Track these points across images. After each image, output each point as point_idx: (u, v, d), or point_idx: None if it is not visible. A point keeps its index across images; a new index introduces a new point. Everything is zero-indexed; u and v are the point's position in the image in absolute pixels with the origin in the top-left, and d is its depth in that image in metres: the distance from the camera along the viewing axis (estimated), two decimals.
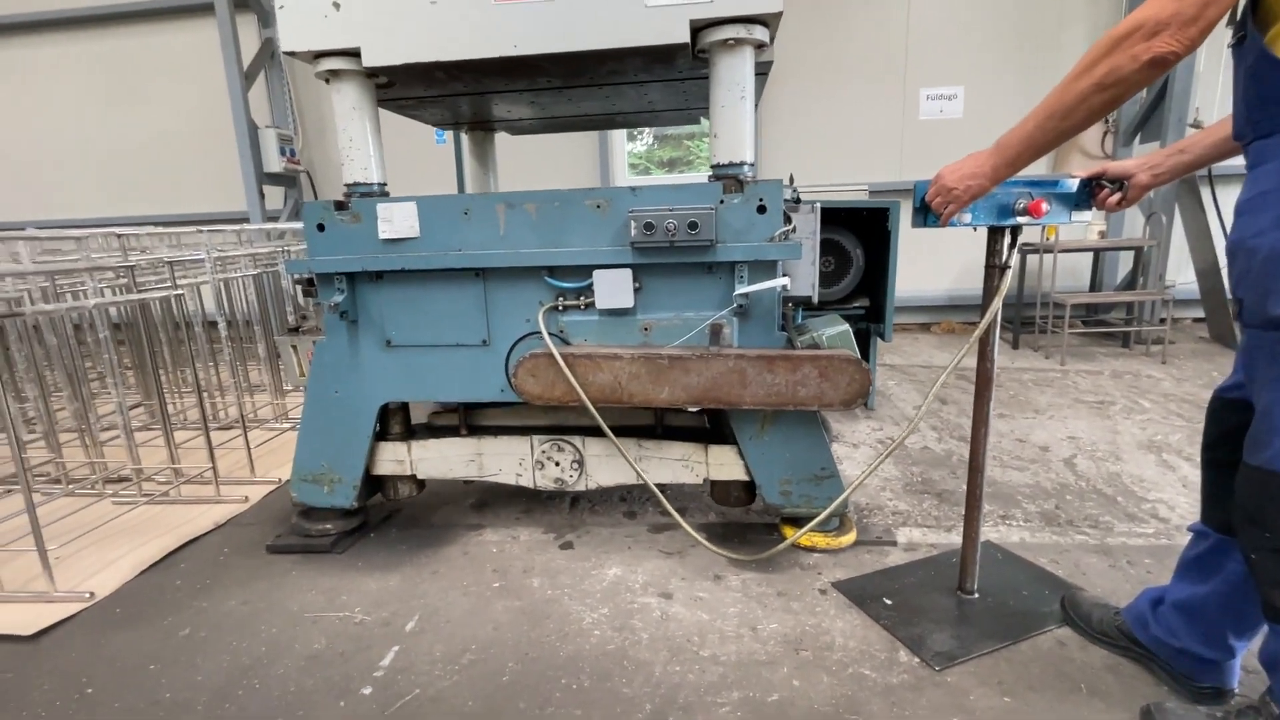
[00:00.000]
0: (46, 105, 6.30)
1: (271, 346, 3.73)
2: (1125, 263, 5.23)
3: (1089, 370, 4.24)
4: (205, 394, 2.84)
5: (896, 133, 5.57)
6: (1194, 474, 2.59)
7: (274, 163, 5.52)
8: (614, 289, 1.95)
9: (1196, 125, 4.72)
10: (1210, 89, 4.90)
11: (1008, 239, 1.60)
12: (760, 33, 1.82)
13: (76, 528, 2.41)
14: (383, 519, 2.48)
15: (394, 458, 2.30)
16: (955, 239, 5.73)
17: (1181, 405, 3.47)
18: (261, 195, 5.56)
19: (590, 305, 2.00)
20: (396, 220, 2.00)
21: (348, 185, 2.07)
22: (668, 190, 1.90)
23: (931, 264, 5.67)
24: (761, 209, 1.87)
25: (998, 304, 1.60)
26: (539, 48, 1.85)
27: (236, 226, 4.29)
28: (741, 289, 1.86)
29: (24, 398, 3.31)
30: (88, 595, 2.00)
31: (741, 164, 1.91)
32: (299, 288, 2.30)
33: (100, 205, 6.41)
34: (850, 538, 2.13)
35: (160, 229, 3.89)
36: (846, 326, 1.96)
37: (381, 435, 2.29)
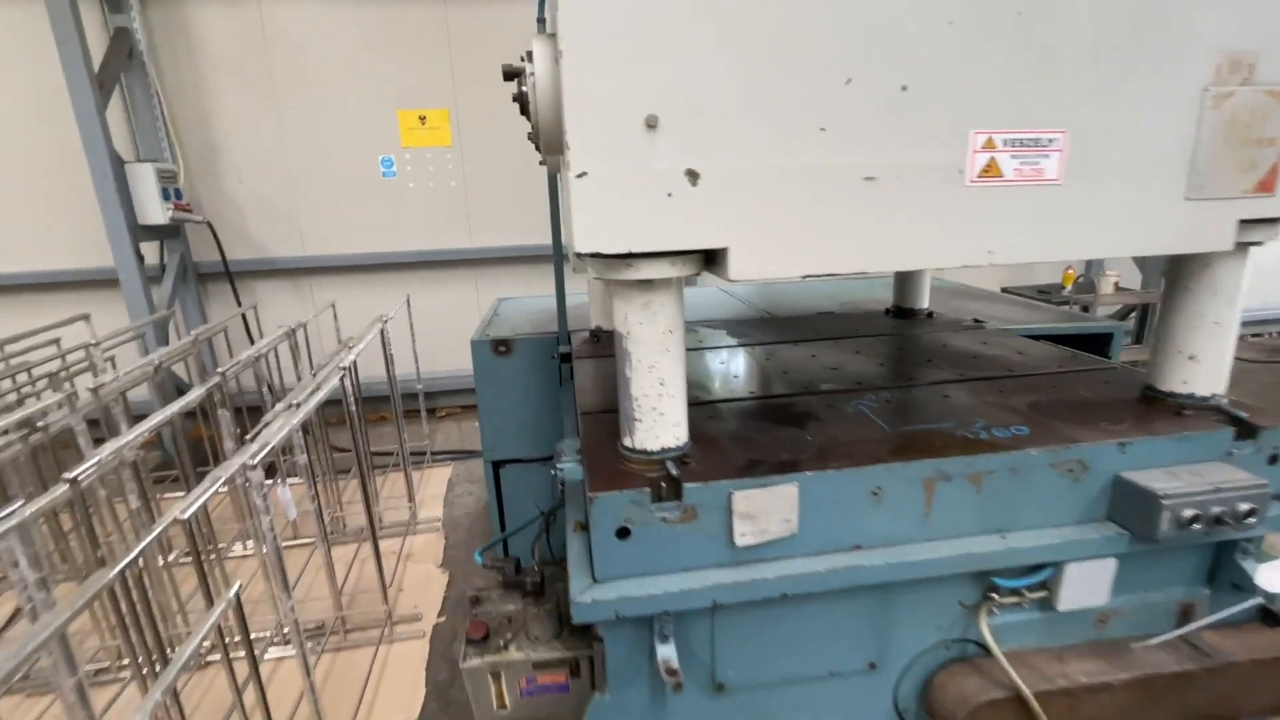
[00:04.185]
0: None
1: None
2: None
3: None
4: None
5: None
6: None
7: (156, 210, 3.93)
8: (1089, 586, 1.33)
9: None
10: None
11: None
12: None
13: None
14: None
15: None
16: None
17: None
18: (139, 256, 3.96)
19: (1037, 602, 1.37)
20: (764, 515, 1.19)
21: (657, 450, 1.22)
22: (1168, 441, 1.31)
23: None
24: (1273, 459, 1.36)
25: None
26: (1028, 255, 1.16)
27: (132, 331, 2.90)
28: (1272, 584, 1.33)
29: None
30: None
31: (1223, 397, 1.41)
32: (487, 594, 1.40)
33: None
34: None
35: None
36: None
37: None
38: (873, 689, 1.38)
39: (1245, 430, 1.34)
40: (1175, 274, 1.38)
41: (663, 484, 1.18)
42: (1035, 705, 1.27)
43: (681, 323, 1.20)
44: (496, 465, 2.67)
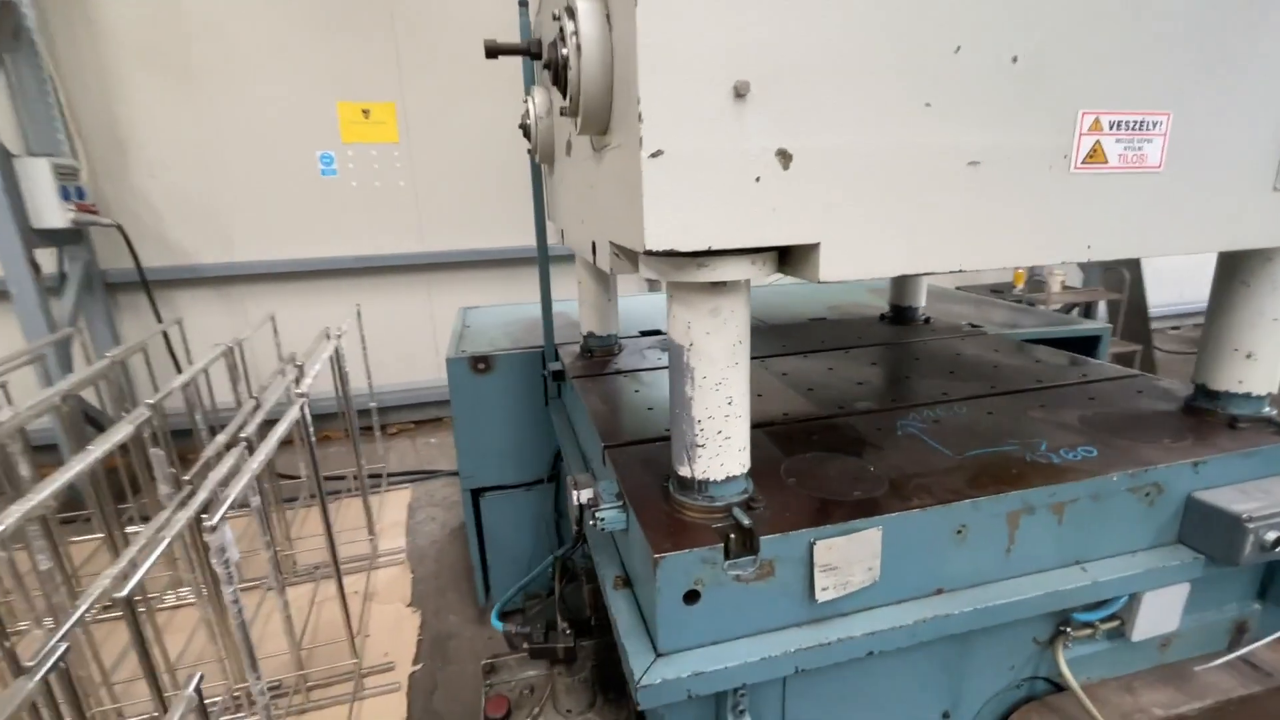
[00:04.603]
0: None
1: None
2: None
3: None
4: None
5: None
6: None
7: (53, 211, 3.43)
8: (1162, 613, 1.26)
9: None
10: None
11: None
12: None
13: None
14: None
15: None
16: None
17: None
18: (34, 265, 3.44)
19: (1108, 633, 1.29)
20: (847, 565, 1.05)
21: (721, 480, 1.06)
22: (1236, 458, 1.25)
23: None
24: None
25: None
26: (1124, 251, 1.07)
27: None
28: None
29: None
30: None
31: (1272, 407, 1.37)
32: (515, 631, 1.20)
33: None
34: None
35: None
36: None
37: None
38: None
39: None
40: (1231, 269, 1.32)
41: (732, 536, 1.02)
42: None
43: (749, 332, 1.04)
44: (475, 493, 2.43)
